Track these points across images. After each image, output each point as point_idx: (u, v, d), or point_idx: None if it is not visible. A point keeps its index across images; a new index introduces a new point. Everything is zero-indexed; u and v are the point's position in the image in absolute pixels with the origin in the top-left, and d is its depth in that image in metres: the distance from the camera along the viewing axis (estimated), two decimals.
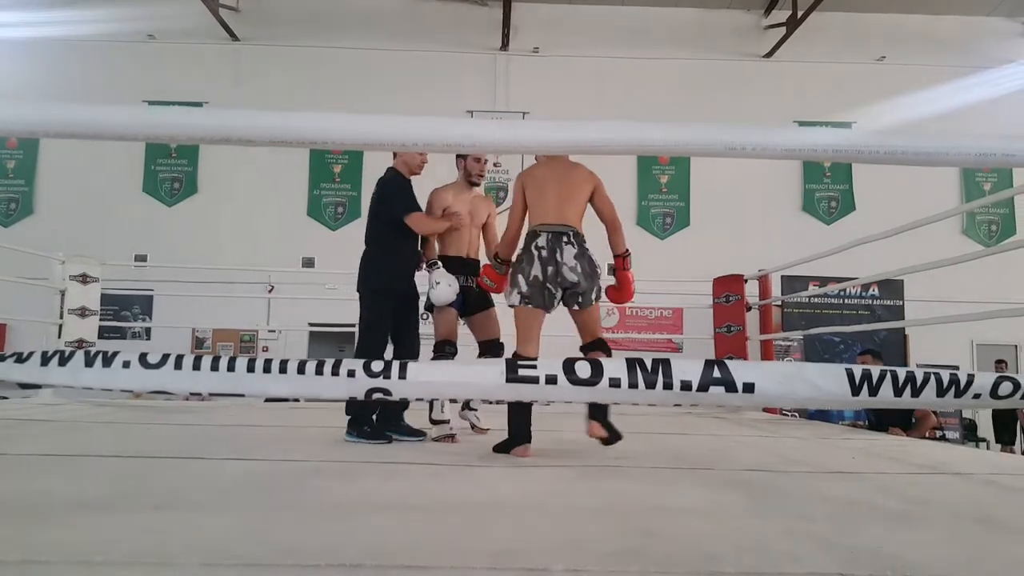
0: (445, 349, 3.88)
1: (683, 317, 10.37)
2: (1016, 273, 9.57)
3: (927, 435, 5.51)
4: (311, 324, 9.58)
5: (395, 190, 3.74)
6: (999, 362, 10.46)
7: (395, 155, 3.82)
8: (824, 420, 7.97)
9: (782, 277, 8.79)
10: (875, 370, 1.39)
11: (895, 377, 1.39)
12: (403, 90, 11.13)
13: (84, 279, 5.95)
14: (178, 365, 1.40)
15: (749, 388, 1.35)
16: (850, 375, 1.37)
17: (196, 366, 1.39)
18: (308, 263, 10.80)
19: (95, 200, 11.23)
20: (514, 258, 3.42)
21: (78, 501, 1.91)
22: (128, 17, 11.03)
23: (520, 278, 3.25)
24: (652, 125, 1.69)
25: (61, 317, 5.79)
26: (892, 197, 11.12)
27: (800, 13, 10.84)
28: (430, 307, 3.88)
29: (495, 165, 11.46)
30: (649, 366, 1.38)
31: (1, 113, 1.58)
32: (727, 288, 6.30)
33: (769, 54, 11.83)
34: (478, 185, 4.07)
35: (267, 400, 8.53)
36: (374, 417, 3.67)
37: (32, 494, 2.00)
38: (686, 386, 1.35)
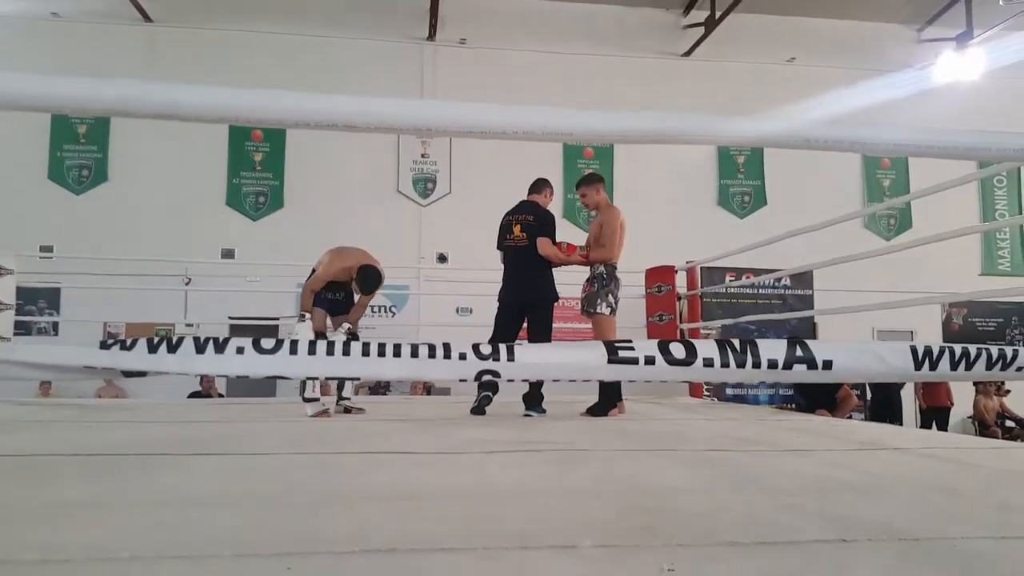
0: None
1: None
2: (911, 264, 10.23)
3: (848, 415, 5.87)
4: (231, 318, 9.27)
5: (553, 221, 4.82)
6: None
7: (545, 196, 4.92)
8: (741, 403, 8.35)
9: (701, 268, 9.12)
10: (935, 347, 1.50)
11: (952, 352, 1.50)
12: (325, 78, 10.77)
13: None
14: (293, 350, 1.37)
15: (828, 365, 1.42)
16: (914, 352, 1.47)
17: (311, 351, 1.36)
18: (228, 254, 10.45)
19: None
20: (596, 275, 4.77)
21: (70, 500, 1.79)
22: None
23: (612, 297, 4.76)
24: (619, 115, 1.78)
25: None
26: (800, 191, 11.79)
27: (718, 14, 11.22)
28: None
29: (423, 156, 11.39)
30: (738, 346, 1.43)
31: None
32: (659, 279, 6.50)
33: (687, 53, 12.20)
34: None
35: (190, 396, 8.25)
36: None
37: (24, 497, 1.83)
38: (772, 364, 1.42)
